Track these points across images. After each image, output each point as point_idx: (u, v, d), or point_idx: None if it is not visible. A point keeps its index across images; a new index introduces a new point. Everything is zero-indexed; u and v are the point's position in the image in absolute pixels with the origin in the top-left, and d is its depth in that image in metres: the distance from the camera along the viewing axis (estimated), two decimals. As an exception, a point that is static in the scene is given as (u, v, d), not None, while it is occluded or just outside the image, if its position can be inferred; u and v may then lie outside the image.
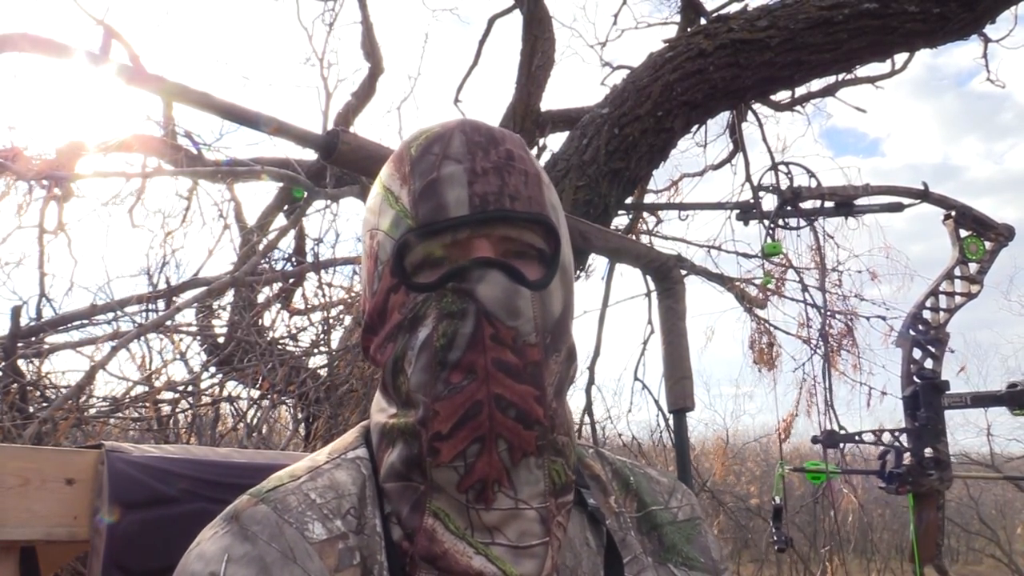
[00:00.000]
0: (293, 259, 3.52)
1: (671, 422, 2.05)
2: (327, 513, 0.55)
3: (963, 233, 2.25)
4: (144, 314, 2.73)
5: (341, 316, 3.14)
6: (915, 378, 2.06)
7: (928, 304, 2.16)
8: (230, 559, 0.52)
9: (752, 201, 3.01)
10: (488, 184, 0.55)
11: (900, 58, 4.01)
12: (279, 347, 2.97)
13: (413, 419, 0.54)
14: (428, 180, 0.55)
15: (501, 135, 0.59)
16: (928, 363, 2.09)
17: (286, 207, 3.92)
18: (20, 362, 2.39)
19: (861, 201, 2.47)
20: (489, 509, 0.52)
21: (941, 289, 2.19)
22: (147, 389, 2.52)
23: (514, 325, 0.53)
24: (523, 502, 0.53)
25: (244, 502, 0.57)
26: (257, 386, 2.76)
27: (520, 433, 0.52)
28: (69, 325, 2.72)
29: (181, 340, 2.81)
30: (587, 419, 4.09)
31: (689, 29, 3.53)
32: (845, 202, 2.46)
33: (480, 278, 0.53)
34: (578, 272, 3.31)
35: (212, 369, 2.89)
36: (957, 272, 2.21)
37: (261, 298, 3.22)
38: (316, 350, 3.03)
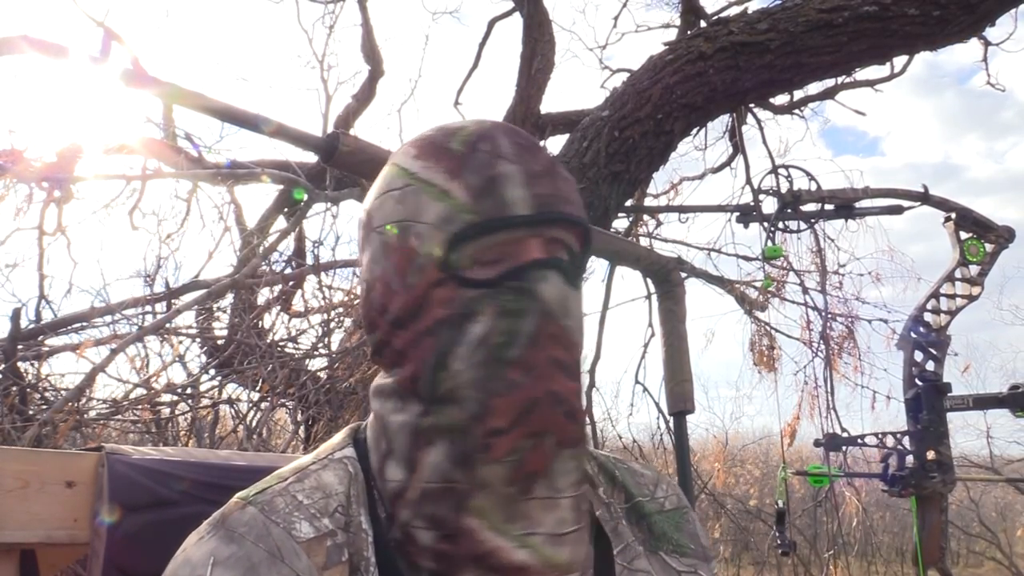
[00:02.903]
0: (293, 261, 3.52)
1: (671, 425, 2.05)
2: (314, 512, 0.55)
3: (963, 235, 2.25)
4: (144, 316, 2.73)
5: (341, 318, 3.14)
6: (917, 380, 2.06)
7: (929, 306, 2.16)
8: (216, 562, 0.52)
9: (752, 203, 3.01)
10: (543, 186, 0.57)
11: (899, 61, 4.02)
12: (279, 349, 2.96)
13: (461, 416, 0.54)
14: (487, 176, 0.56)
15: (536, 140, 0.62)
16: (930, 365, 2.09)
17: (286, 209, 3.93)
18: (20, 364, 2.39)
19: (861, 203, 2.47)
20: (528, 500, 0.54)
21: (942, 291, 2.19)
22: (147, 391, 2.52)
23: (566, 324, 0.55)
24: (559, 491, 0.55)
25: (231, 506, 0.57)
26: (257, 388, 2.76)
27: (567, 427, 0.54)
28: (68, 327, 2.72)
29: (181, 342, 2.81)
30: (587, 421, 4.09)
31: (689, 32, 3.54)
32: (845, 205, 2.46)
33: (541, 278, 0.54)
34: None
35: (212, 371, 2.88)
36: (958, 274, 2.21)
37: (261, 300, 3.22)
38: (316, 352, 3.03)
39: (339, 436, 0.64)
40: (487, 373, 0.53)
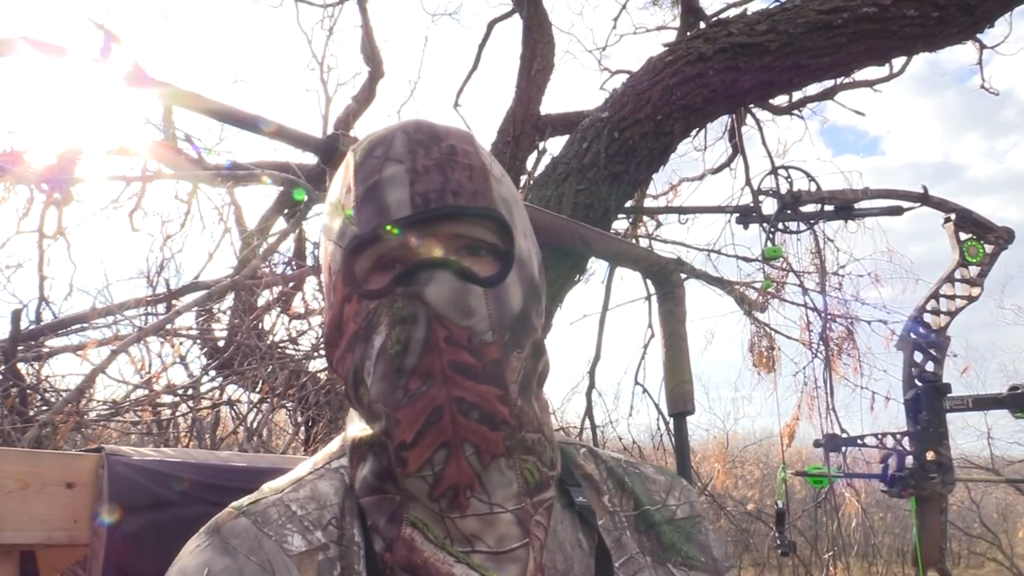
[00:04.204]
0: (293, 263, 3.52)
1: (671, 426, 2.05)
2: (307, 525, 0.55)
3: (963, 236, 2.25)
4: (144, 317, 2.73)
5: (341, 320, 3.13)
6: (916, 381, 2.06)
7: (929, 307, 2.16)
8: (210, 572, 0.52)
9: (752, 204, 3.02)
10: (430, 182, 0.54)
11: (897, 62, 4.02)
12: (279, 350, 2.96)
13: (378, 430, 0.53)
14: (369, 184, 0.55)
15: (445, 131, 0.58)
16: (929, 366, 2.09)
17: (286, 211, 3.93)
18: (20, 365, 2.39)
19: (861, 204, 2.47)
20: (464, 516, 0.51)
21: (942, 292, 2.19)
22: (147, 393, 2.52)
23: (467, 325, 0.51)
24: (498, 505, 0.52)
25: (225, 515, 0.56)
26: (257, 390, 2.76)
27: (486, 435, 0.51)
28: (69, 329, 2.72)
29: (181, 344, 2.81)
30: (588, 423, 4.09)
31: (688, 33, 3.54)
32: (845, 205, 2.46)
33: (428, 280, 0.52)
34: (578, 276, 3.31)
35: (212, 372, 2.88)
36: (958, 275, 2.21)
37: (261, 301, 3.22)
38: (316, 353, 3.02)
39: (335, 444, 0.62)
40: (390, 385, 0.52)
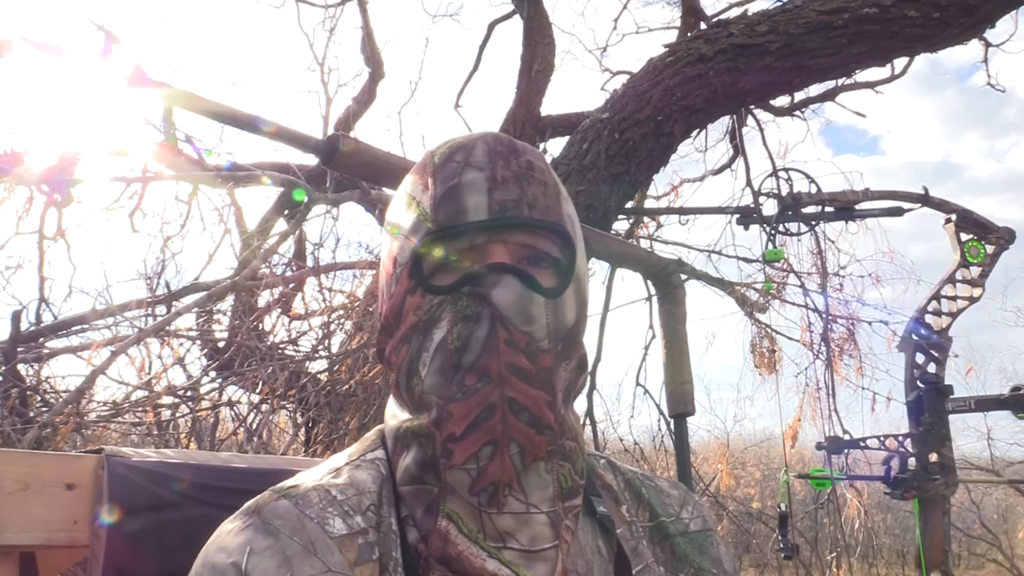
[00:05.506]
0: (293, 264, 3.52)
1: (672, 426, 2.05)
2: (347, 509, 0.56)
3: (964, 237, 2.24)
4: (144, 319, 2.73)
5: (341, 320, 3.14)
6: (918, 382, 2.05)
7: (930, 308, 2.16)
8: (252, 551, 0.53)
9: (753, 205, 3.02)
10: (508, 192, 0.56)
11: (899, 63, 4.02)
12: (279, 352, 2.96)
13: (427, 421, 0.55)
14: (449, 186, 0.57)
15: (523, 147, 0.61)
16: (931, 367, 2.08)
17: (286, 212, 3.93)
18: (20, 367, 2.39)
19: (862, 205, 2.47)
20: (501, 513, 0.53)
21: (943, 293, 2.18)
22: (147, 394, 2.52)
23: (528, 330, 0.54)
24: (533, 506, 0.54)
25: (266, 498, 0.58)
26: (257, 391, 2.76)
27: (532, 437, 0.53)
28: (69, 330, 2.72)
29: (181, 345, 2.81)
30: (588, 423, 4.09)
31: (689, 34, 3.54)
32: (846, 207, 2.46)
33: (496, 283, 0.54)
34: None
35: (212, 374, 2.88)
36: (959, 276, 2.20)
37: (261, 302, 3.21)
38: (316, 354, 3.02)
39: (370, 438, 0.64)
40: (445, 379, 0.54)
